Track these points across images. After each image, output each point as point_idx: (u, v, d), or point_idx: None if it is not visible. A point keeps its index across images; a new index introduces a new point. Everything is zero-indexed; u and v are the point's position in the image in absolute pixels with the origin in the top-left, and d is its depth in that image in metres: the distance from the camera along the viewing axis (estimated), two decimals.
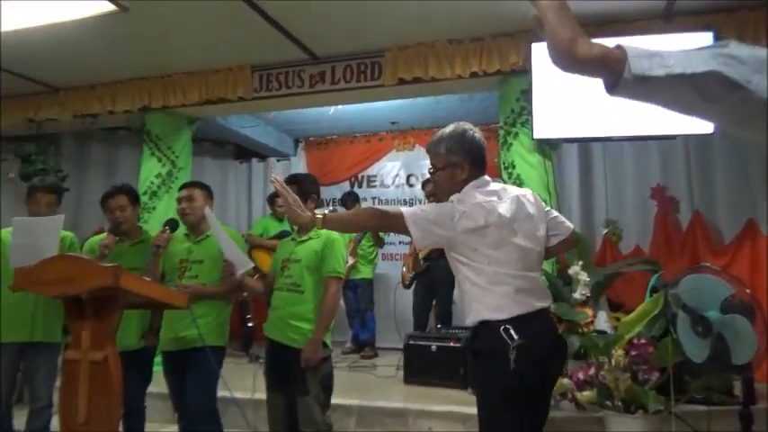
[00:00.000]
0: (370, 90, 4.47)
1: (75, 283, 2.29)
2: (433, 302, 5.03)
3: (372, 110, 5.87)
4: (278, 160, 6.96)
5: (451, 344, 3.83)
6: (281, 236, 5.71)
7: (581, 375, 2.87)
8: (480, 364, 1.97)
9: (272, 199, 5.89)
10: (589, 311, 3.12)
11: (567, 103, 3.78)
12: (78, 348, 2.37)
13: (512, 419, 1.88)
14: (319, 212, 1.95)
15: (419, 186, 6.42)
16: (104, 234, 3.26)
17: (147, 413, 3.31)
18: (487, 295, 1.93)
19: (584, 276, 3.22)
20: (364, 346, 5.34)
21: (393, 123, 6.48)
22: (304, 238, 2.95)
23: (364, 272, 5.33)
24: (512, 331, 1.86)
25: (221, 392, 2.96)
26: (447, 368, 3.77)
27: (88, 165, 6.16)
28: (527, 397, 1.90)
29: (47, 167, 5.09)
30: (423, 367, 3.87)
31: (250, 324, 5.17)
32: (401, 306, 5.31)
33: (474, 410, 3.05)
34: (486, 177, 2.10)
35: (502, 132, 4.18)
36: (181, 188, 3.16)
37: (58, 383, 3.31)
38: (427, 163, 7.01)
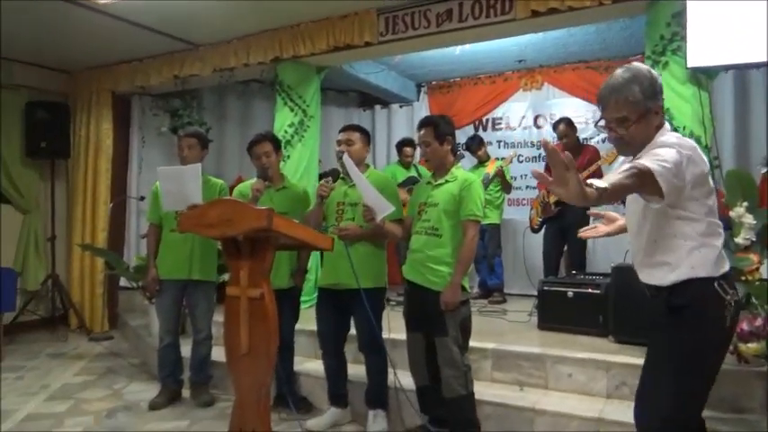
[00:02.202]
0: (501, 26, 4.22)
1: (233, 225, 2.44)
2: (565, 248, 4.83)
3: (498, 49, 5.61)
4: (401, 106, 6.93)
5: (590, 290, 3.66)
6: (409, 182, 5.77)
7: (745, 326, 2.63)
8: (686, 322, 1.78)
9: (399, 147, 5.91)
10: (754, 257, 2.82)
11: (726, 27, 3.35)
12: (237, 285, 2.56)
13: (712, 376, 1.82)
14: (600, 184, 1.53)
15: (548, 128, 6.13)
16: (252, 180, 3.45)
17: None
18: (702, 250, 1.79)
19: (749, 219, 2.90)
20: (492, 291, 5.30)
21: (519, 62, 6.16)
22: (440, 181, 2.92)
23: (492, 217, 5.22)
24: (726, 287, 1.78)
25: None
26: (584, 315, 3.63)
27: (226, 117, 6.53)
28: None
29: (192, 121, 5.46)
30: (558, 313, 3.75)
31: None
32: (530, 251, 5.18)
33: (618, 359, 3.01)
34: None
35: (649, 62, 3.79)
36: (340, 131, 3.22)
37: (215, 318, 3.68)
38: (558, 102, 6.68)
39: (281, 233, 2.44)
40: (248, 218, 2.41)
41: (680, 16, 3.54)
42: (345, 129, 3.20)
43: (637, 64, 1.89)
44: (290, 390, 3.29)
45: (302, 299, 4.40)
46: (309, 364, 3.69)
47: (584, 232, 2.25)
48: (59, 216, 6.07)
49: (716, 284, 1.77)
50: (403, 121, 6.86)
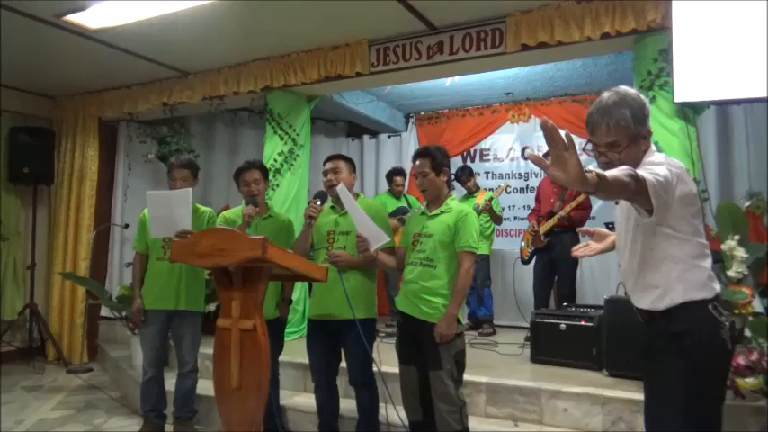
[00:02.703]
0: (491, 59, 4.29)
1: (227, 255, 2.38)
2: (555, 279, 4.83)
3: (486, 81, 5.70)
4: (389, 136, 6.97)
5: (582, 323, 3.64)
6: (399, 212, 5.76)
7: (742, 360, 2.62)
8: (686, 347, 1.74)
9: (390, 176, 5.91)
10: (747, 290, 2.83)
11: (712, 62, 3.43)
12: (229, 317, 2.49)
13: (721, 400, 1.79)
14: (600, 171, 1.49)
15: None
16: (238, 207, 3.40)
17: (281, 381, 3.46)
18: (693, 272, 1.77)
19: (740, 252, 2.92)
20: (482, 323, 5.26)
21: (507, 94, 6.26)
22: (435, 212, 2.90)
23: (481, 248, 5.19)
24: (720, 309, 1.74)
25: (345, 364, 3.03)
26: (577, 348, 3.61)
27: (214, 145, 6.50)
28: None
29: (181, 148, 5.41)
30: (551, 346, 3.73)
31: None
32: (519, 283, 5.16)
33: (614, 393, 2.97)
34: None
35: None
36: (326, 161, 3.20)
37: (200, 349, 3.58)
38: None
39: (276, 263, 2.39)
40: (242, 247, 2.35)
41: (666, 52, 3.62)
42: (331, 158, 3.19)
43: (624, 87, 1.87)
44: (279, 424, 3.19)
45: (290, 329, 4.34)
46: (298, 398, 3.61)
47: (577, 251, 2.22)
48: (40, 243, 5.93)
49: (710, 306, 1.75)
50: (391, 152, 6.89)
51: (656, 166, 1.71)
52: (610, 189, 1.52)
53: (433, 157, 2.93)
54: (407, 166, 6.65)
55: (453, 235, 2.80)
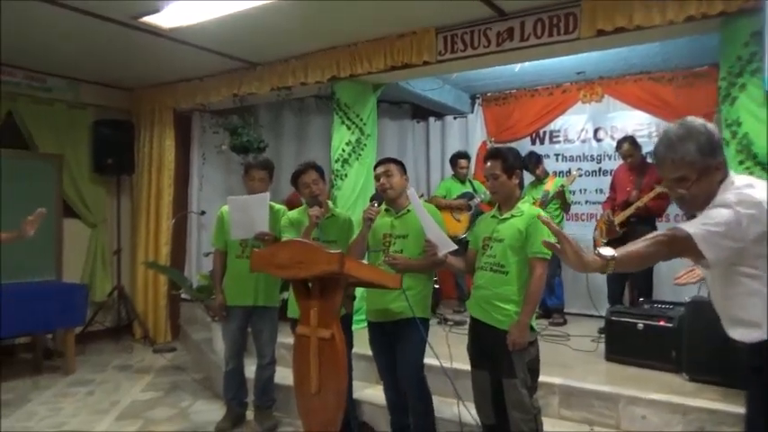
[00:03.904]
0: (564, 44, 4.13)
1: (305, 268, 2.46)
2: (630, 273, 4.68)
3: (556, 61, 5.47)
4: (454, 118, 6.87)
5: (661, 323, 3.53)
6: (464, 197, 5.72)
7: None
8: None
9: (454, 160, 5.86)
10: None
11: None
12: (307, 325, 2.58)
13: None
14: (606, 252, 1.64)
15: (608, 141, 5.96)
16: (299, 208, 3.49)
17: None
18: None
19: None
20: (552, 312, 5.19)
21: (579, 74, 6.00)
22: (506, 215, 2.86)
23: (551, 236, 5.11)
24: None
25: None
26: (655, 349, 3.51)
27: (282, 133, 6.62)
28: None
29: (251, 139, 5.56)
30: (627, 345, 3.64)
31: (436, 286, 5.26)
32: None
33: (696, 402, 2.88)
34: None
35: (724, 84, 3.63)
36: (377, 165, 3.21)
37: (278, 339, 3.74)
38: (619, 115, 6.50)
39: (351, 275, 2.45)
40: (320, 261, 2.41)
41: (759, 35, 3.36)
42: (382, 162, 3.19)
43: (691, 119, 1.82)
44: (352, 416, 3.30)
45: (358, 317, 4.43)
46: (370, 390, 3.71)
47: (680, 279, 2.17)
48: (124, 230, 6.30)
49: None
50: (457, 134, 6.79)
51: (719, 209, 1.67)
52: (624, 267, 1.66)
53: (504, 158, 2.87)
54: (473, 149, 6.58)
55: (524, 240, 2.76)
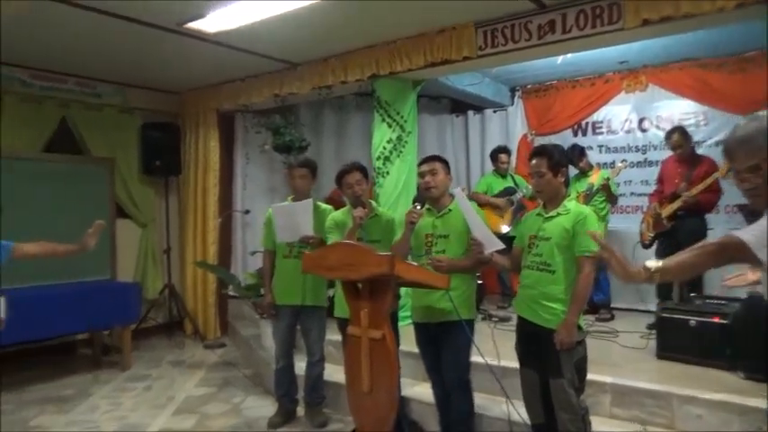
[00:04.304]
0: (608, 35, 4.04)
1: (355, 270, 2.52)
2: None
3: (598, 50, 5.34)
4: (494, 111, 6.81)
5: (715, 320, 3.46)
6: (506, 193, 5.69)
7: None
8: None
9: (494, 154, 5.83)
10: None
11: None
12: (358, 326, 2.64)
13: None
14: (652, 264, 1.69)
15: (653, 131, 5.83)
16: (343, 209, 3.54)
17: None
18: None
19: None
20: (599, 308, 5.13)
21: (622, 63, 5.87)
22: (552, 213, 2.84)
23: (597, 229, 5.04)
24: None
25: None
26: (709, 346, 3.44)
27: (323, 131, 6.70)
28: None
29: (293, 138, 5.65)
30: (679, 342, 3.57)
31: (480, 281, 5.25)
32: (639, 264, 4.93)
33: (754, 402, 2.82)
34: None
35: None
36: (422, 162, 3.20)
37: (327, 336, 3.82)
38: (665, 104, 6.33)
39: (401, 277, 2.49)
40: (369, 263, 2.46)
41: None
42: (427, 160, 3.16)
43: (764, 113, 1.81)
44: (402, 414, 3.35)
45: (404, 314, 4.46)
46: (418, 388, 3.74)
47: (728, 281, 2.13)
48: (173, 229, 6.50)
49: None
50: (497, 127, 6.74)
51: None
52: (670, 277, 1.73)
53: (550, 156, 2.85)
54: (513, 142, 6.52)
55: (571, 238, 2.73)
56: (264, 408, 4.06)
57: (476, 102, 6.74)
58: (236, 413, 4.03)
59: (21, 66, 5.31)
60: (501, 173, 5.81)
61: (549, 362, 2.73)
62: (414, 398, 3.65)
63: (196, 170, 6.35)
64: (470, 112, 6.99)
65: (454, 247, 3.01)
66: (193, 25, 4.42)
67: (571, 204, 2.85)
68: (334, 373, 4.01)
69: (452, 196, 3.10)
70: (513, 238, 3.16)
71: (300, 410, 3.89)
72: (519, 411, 2.95)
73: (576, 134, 6.28)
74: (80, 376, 4.93)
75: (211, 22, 4.37)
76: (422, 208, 3.05)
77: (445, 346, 3.02)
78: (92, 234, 3.14)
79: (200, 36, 4.63)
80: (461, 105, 7.02)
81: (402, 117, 5.11)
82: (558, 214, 2.82)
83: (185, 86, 6.35)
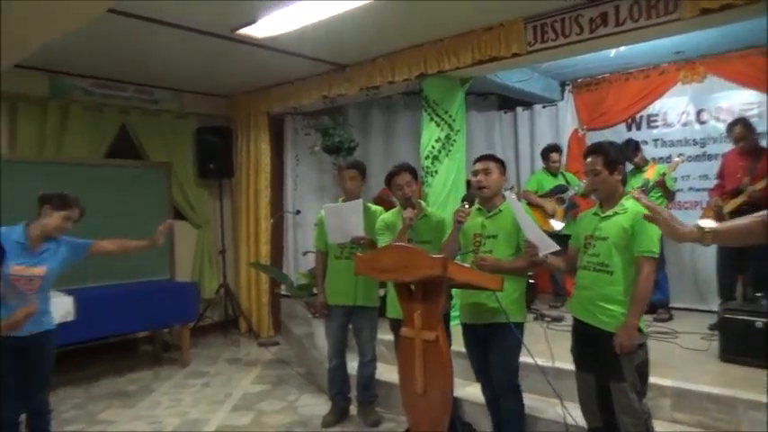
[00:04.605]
0: (663, 26, 3.91)
1: (407, 272, 2.54)
2: (742, 265, 4.39)
3: (653, 41, 5.20)
4: (543, 107, 6.69)
5: None
6: (557, 191, 5.59)
7: None
8: None
9: (545, 153, 5.74)
10: None
11: None
12: (412, 327, 2.65)
13: None
14: (706, 223, 1.66)
15: (713, 123, 5.60)
16: (396, 209, 3.56)
17: None
18: None
19: None
20: (657, 308, 4.97)
21: (677, 53, 5.66)
22: (609, 213, 2.78)
23: (654, 230, 4.89)
24: None
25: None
26: None
27: (371, 131, 6.74)
28: None
29: (342, 139, 5.71)
30: (743, 345, 3.42)
31: (531, 281, 5.19)
32: (701, 262, 4.77)
33: None
34: None
35: None
36: (477, 161, 3.17)
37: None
38: (724, 95, 6.11)
39: (454, 279, 2.49)
40: (422, 265, 2.48)
41: None
42: (482, 158, 3.13)
43: None
44: (455, 415, 3.35)
45: (455, 313, 4.46)
46: (470, 389, 3.73)
47: None
48: (227, 230, 6.69)
49: None
50: (546, 123, 6.62)
51: None
52: (723, 241, 1.69)
53: (606, 153, 2.78)
54: (563, 138, 6.39)
55: (630, 238, 2.66)
56: (318, 406, 4.14)
57: (525, 97, 6.64)
58: (292, 411, 4.12)
59: (83, 75, 5.57)
60: (552, 171, 5.71)
61: (608, 365, 2.67)
62: (466, 399, 3.65)
63: (248, 172, 6.51)
64: (519, 109, 6.88)
65: (502, 247, 2.98)
66: (245, 31, 4.54)
67: (629, 203, 2.77)
68: (386, 372, 4.06)
69: (504, 197, 3.07)
70: (566, 236, 3.10)
71: (353, 409, 3.94)
72: (573, 414, 2.90)
73: (629, 128, 6.10)
74: (142, 372, 5.15)
75: (262, 28, 4.47)
76: (470, 207, 3.01)
77: (493, 347, 2.99)
78: (161, 231, 3.38)
79: (251, 41, 4.74)
80: (510, 101, 6.92)
81: (450, 116, 5.09)
82: (616, 213, 2.75)
83: (237, 90, 6.52)
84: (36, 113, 5.37)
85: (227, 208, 6.74)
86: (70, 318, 3.74)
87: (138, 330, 5.60)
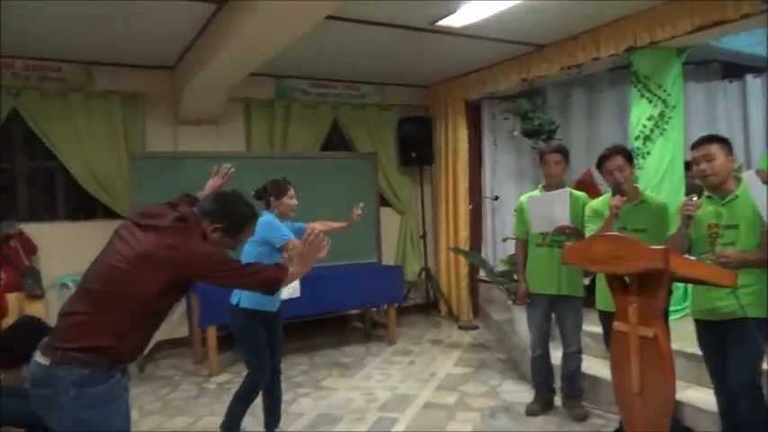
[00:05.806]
0: None
1: (622, 263, 2.41)
2: None
3: None
4: None
5: None
6: None
7: None
8: None
9: None
10: None
11: None
12: (626, 322, 2.52)
13: None
14: None
15: None
16: (604, 197, 3.35)
17: None
18: None
19: None
20: None
21: None
22: None
23: None
24: None
25: None
26: None
27: (571, 111, 6.44)
28: None
29: (543, 121, 5.55)
30: None
31: None
32: None
33: None
34: None
35: None
36: (694, 146, 2.82)
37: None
38: None
39: (676, 273, 2.30)
40: (640, 257, 2.33)
41: None
42: (700, 143, 2.75)
43: None
44: (674, 418, 3.10)
45: (673, 308, 4.10)
46: (691, 392, 3.41)
47: None
48: (428, 216, 6.97)
49: None
50: None
51: None
52: None
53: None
54: None
55: None
56: (521, 393, 4.14)
57: (755, 62, 5.75)
58: (494, 395, 4.18)
59: (302, 77, 6.22)
60: None
61: None
62: (687, 402, 3.34)
63: (446, 159, 6.68)
64: (749, 76, 5.96)
65: (746, 237, 2.62)
66: (444, 22, 4.65)
67: None
68: (593, 365, 3.91)
69: (738, 180, 2.72)
70: None
71: (557, 400, 3.86)
72: None
73: None
74: (355, 347, 5.63)
75: (461, 17, 4.54)
76: (698, 199, 2.72)
77: (731, 347, 2.69)
78: (355, 212, 3.86)
79: (450, 31, 4.84)
80: (736, 69, 6.04)
81: (665, 90, 4.64)
82: None
83: (435, 79, 6.70)
84: (265, 114, 6.15)
85: (427, 194, 7.02)
86: (296, 294, 4.21)
87: (351, 308, 6.15)
